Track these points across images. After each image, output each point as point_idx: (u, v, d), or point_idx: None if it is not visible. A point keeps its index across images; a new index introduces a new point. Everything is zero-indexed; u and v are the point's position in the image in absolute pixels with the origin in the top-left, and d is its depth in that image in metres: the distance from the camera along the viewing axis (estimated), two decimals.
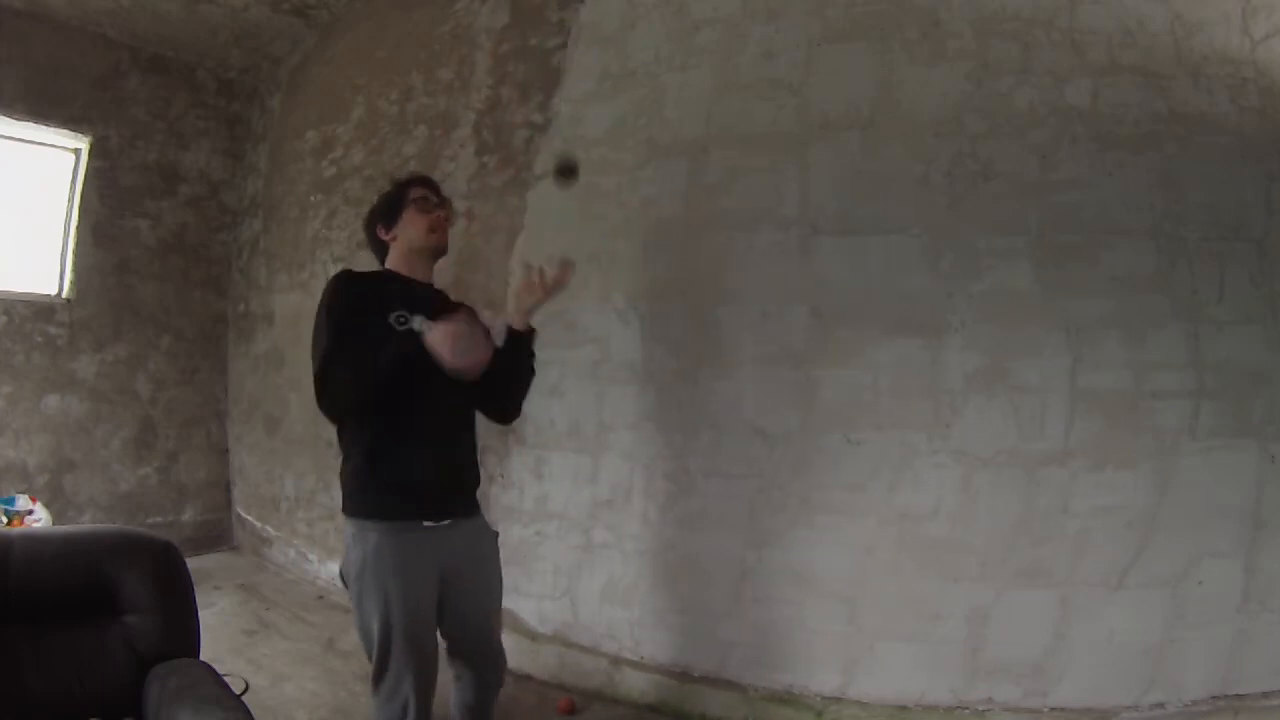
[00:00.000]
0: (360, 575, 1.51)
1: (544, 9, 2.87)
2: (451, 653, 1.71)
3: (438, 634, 1.63)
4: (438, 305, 1.65)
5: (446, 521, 1.58)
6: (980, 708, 2.08)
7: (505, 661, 1.79)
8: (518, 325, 1.71)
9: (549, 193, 2.76)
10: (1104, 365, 2.04)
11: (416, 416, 1.56)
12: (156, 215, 4.31)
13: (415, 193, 1.71)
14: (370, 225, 1.75)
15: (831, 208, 2.24)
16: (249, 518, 4.33)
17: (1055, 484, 2.04)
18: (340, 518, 1.61)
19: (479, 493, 1.77)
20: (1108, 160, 2.06)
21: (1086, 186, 2.07)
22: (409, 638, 1.50)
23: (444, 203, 1.75)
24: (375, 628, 1.50)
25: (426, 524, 1.55)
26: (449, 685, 1.74)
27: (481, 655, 1.73)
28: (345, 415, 1.56)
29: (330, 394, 1.50)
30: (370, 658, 1.54)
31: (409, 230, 1.68)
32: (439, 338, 1.43)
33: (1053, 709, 2.04)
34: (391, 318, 1.51)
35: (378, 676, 1.53)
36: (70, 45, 3.94)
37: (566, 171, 1.79)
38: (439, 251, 1.73)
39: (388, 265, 1.72)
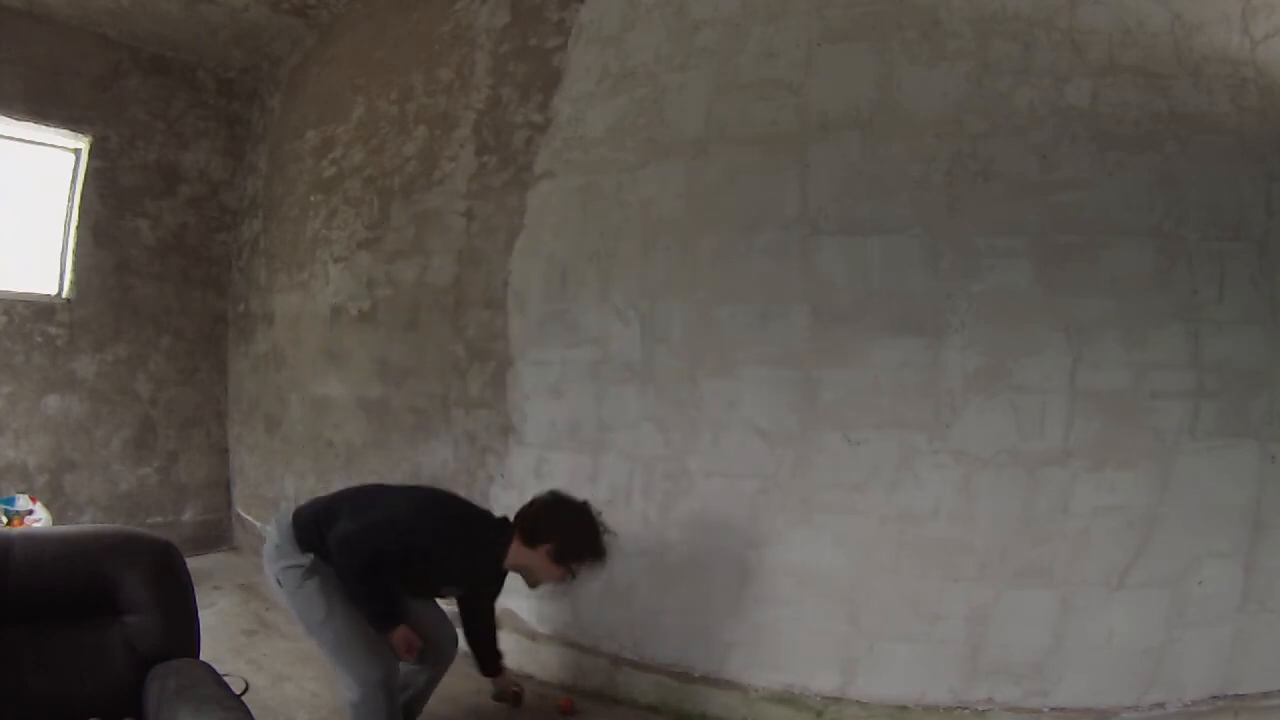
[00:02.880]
0: (308, 572, 1.84)
1: (544, 9, 2.87)
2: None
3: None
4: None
5: None
6: (980, 708, 2.08)
7: (455, 644, 2.12)
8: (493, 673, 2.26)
9: (549, 193, 2.76)
10: (1104, 365, 2.04)
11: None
12: (156, 215, 4.31)
13: (577, 567, 1.92)
14: (539, 521, 1.92)
15: (831, 208, 2.24)
16: (249, 518, 4.33)
17: (1055, 484, 2.04)
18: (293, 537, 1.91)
19: None
20: (1108, 160, 2.06)
21: (1086, 186, 2.07)
22: (357, 620, 1.83)
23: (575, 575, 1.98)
24: (322, 610, 1.82)
25: None
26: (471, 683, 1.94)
27: (438, 633, 2.05)
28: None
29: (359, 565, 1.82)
30: (320, 637, 1.84)
31: (540, 573, 1.93)
32: (396, 642, 1.86)
33: (1053, 709, 2.04)
34: (450, 586, 2.04)
35: (346, 649, 1.82)
36: (70, 45, 3.94)
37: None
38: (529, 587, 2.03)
39: (510, 552, 1.93)
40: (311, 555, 1.87)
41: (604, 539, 1.92)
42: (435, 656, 2.01)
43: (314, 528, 1.90)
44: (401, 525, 1.84)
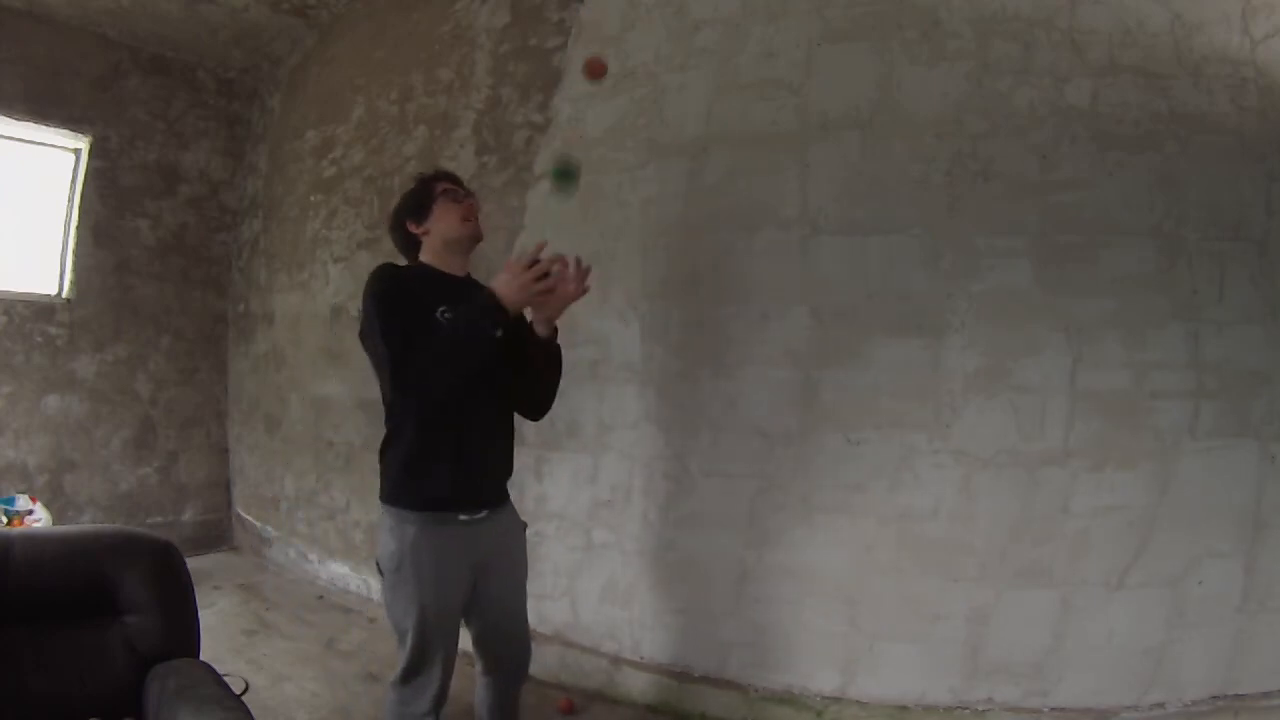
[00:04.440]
0: (398, 568, 1.54)
1: (544, 9, 2.87)
2: (478, 644, 1.72)
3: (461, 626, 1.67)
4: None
5: (482, 514, 1.60)
6: (980, 708, 2.08)
7: (529, 654, 1.80)
8: (543, 333, 1.61)
9: (548, 193, 2.77)
10: (1104, 365, 2.04)
11: (464, 414, 1.57)
12: (156, 215, 4.31)
13: (442, 186, 1.70)
14: (398, 222, 1.72)
15: (831, 208, 2.24)
16: (249, 518, 4.33)
17: (1055, 484, 2.04)
18: (366, 507, 1.62)
19: (509, 482, 1.77)
20: (1108, 160, 2.06)
21: (1086, 186, 2.07)
22: (441, 632, 1.55)
23: (471, 194, 1.75)
24: (411, 622, 1.53)
25: (462, 517, 1.57)
26: (469, 683, 1.76)
27: (509, 647, 1.75)
28: (424, 394, 1.50)
29: (418, 381, 1.47)
30: (401, 646, 1.57)
31: (442, 223, 1.67)
32: (508, 282, 1.42)
33: (1053, 709, 2.04)
34: (438, 314, 1.52)
35: (411, 671, 1.56)
36: (70, 45, 3.94)
37: (565, 175, 1.65)
38: (475, 239, 1.71)
39: (421, 259, 1.70)
40: (391, 514, 1.56)
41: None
42: (505, 670, 1.75)
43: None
44: (376, 310, 1.52)
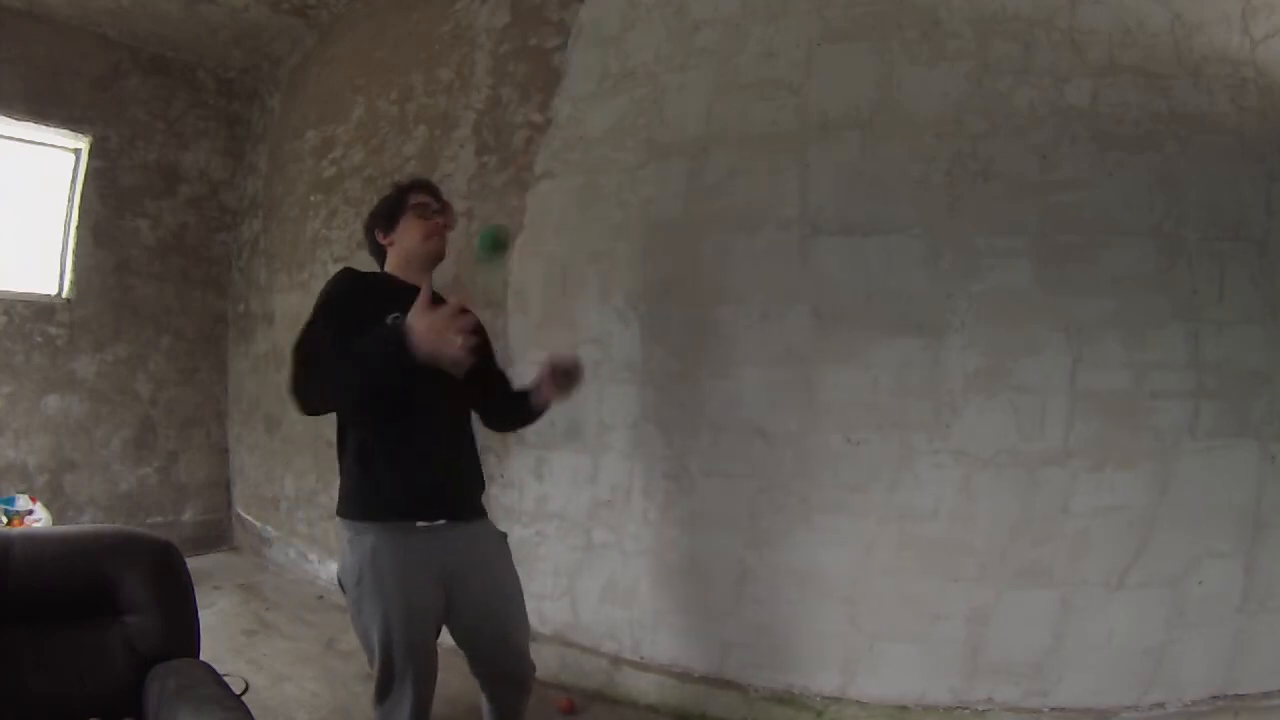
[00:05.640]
0: (359, 582, 1.50)
1: (544, 9, 2.87)
2: (471, 663, 1.68)
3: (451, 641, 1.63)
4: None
5: (441, 522, 1.55)
6: (980, 708, 2.08)
7: (530, 670, 1.72)
8: (545, 399, 1.76)
9: (549, 193, 2.77)
10: (1104, 365, 2.03)
11: (412, 418, 1.54)
12: (156, 215, 4.31)
13: (415, 199, 1.69)
14: (369, 229, 1.75)
15: (831, 208, 2.24)
16: (249, 518, 4.33)
17: (1055, 484, 2.04)
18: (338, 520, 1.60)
19: (483, 497, 1.74)
20: (1108, 160, 2.06)
21: (1086, 186, 2.07)
22: (410, 645, 1.49)
23: (444, 208, 1.74)
24: (376, 636, 1.49)
25: (420, 524, 1.52)
26: (470, 683, 1.74)
27: (500, 664, 1.68)
28: (316, 411, 1.54)
29: (306, 388, 1.50)
30: (371, 665, 1.52)
31: (406, 237, 1.67)
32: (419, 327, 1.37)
33: (1053, 709, 2.04)
34: (388, 321, 1.50)
35: (383, 688, 1.51)
36: (70, 45, 3.94)
37: (494, 245, 1.68)
38: (436, 258, 1.70)
39: (386, 269, 1.71)
40: (349, 527, 1.54)
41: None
42: (504, 682, 1.69)
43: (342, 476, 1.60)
44: (314, 313, 1.57)
